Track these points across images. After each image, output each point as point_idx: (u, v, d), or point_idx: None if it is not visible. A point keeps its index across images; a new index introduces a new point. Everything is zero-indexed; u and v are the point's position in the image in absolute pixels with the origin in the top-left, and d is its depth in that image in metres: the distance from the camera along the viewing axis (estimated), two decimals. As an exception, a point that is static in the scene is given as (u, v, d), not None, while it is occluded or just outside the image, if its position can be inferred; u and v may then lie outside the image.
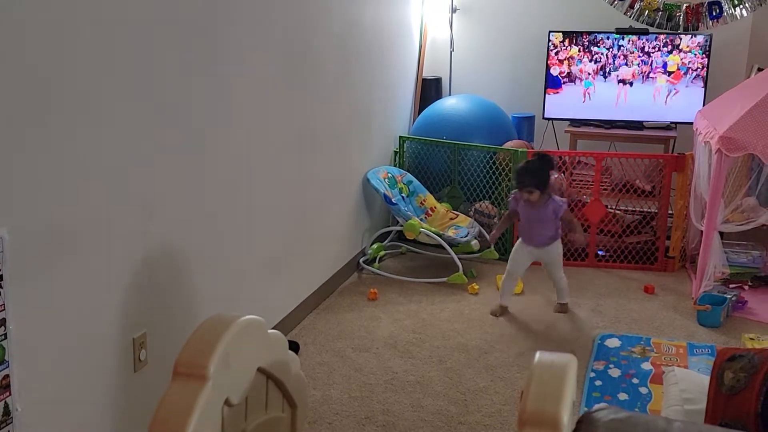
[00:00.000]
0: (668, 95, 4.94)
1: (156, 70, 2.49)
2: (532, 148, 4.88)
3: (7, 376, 1.98)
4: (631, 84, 4.98)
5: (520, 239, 3.96)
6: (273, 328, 3.37)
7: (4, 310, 1.95)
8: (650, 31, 4.93)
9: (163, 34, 2.52)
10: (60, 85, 2.09)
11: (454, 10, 5.47)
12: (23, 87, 1.96)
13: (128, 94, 2.36)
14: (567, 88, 5.08)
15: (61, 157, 2.12)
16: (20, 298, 2.00)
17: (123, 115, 2.35)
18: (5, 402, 1.99)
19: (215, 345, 1.44)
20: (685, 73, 4.88)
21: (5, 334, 1.96)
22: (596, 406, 1.48)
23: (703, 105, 4.72)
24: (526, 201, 3.79)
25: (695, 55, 4.82)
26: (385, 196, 4.47)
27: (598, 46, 4.97)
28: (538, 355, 1.47)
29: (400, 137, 5.04)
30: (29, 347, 2.05)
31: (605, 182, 4.62)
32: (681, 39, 4.84)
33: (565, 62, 5.03)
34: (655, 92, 4.96)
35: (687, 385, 2.12)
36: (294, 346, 3.48)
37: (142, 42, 2.41)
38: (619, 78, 4.99)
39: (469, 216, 4.72)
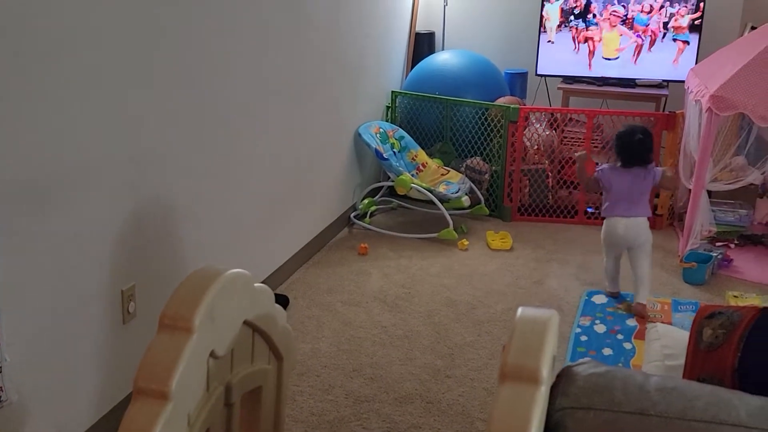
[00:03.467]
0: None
1: (149, 17, 2.47)
2: (525, 105, 4.87)
3: (-4, 326, 2.00)
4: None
5: None
6: (263, 282, 3.40)
7: (-8, 261, 1.96)
8: (645, -13, 4.89)
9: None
10: (41, 28, 2.06)
11: (448, -36, 5.41)
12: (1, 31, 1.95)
13: (118, 41, 2.34)
14: (561, 45, 5.05)
15: (47, 106, 2.10)
16: (7, 248, 2.01)
17: (112, 63, 2.33)
18: (-6, 352, 2.01)
19: (201, 298, 1.45)
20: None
21: (-6, 286, 1.97)
22: (578, 361, 1.51)
23: (696, 63, 4.70)
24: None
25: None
26: (377, 152, 4.46)
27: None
28: (520, 310, 1.49)
29: (393, 92, 5.02)
30: (18, 298, 2.07)
31: (596, 140, 4.63)
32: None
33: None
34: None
35: (668, 341, 2.16)
36: (284, 300, 3.51)
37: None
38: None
39: (461, 172, 4.72)
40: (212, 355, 1.49)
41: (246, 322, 1.66)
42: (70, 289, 2.28)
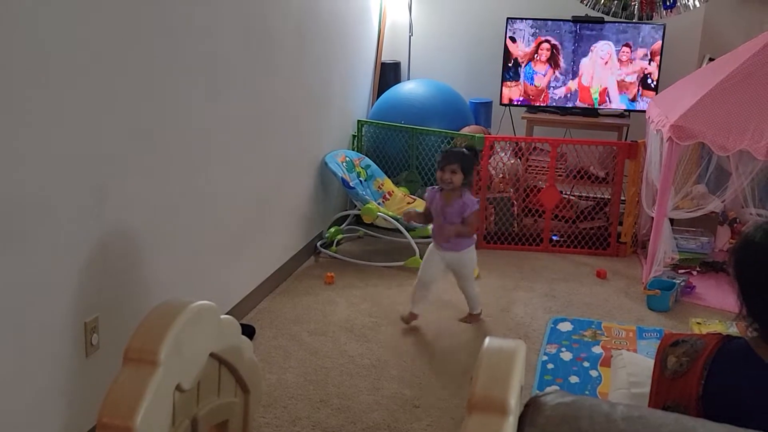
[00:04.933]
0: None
1: (109, 48, 2.46)
2: (490, 134, 4.92)
3: (-45, 361, 1.96)
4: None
5: (432, 242, 3.63)
6: (229, 312, 3.39)
7: (-49, 294, 1.92)
8: (606, 19, 4.99)
9: (118, 11, 2.48)
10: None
11: (413, -5, 5.48)
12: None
13: (77, 69, 2.32)
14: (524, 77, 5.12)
15: (4, 137, 2.07)
16: (-32, 282, 1.97)
17: (71, 91, 2.31)
18: (-47, 387, 1.96)
19: (166, 330, 1.44)
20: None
21: (-47, 319, 1.93)
22: (545, 390, 1.52)
23: (656, 94, 4.80)
24: (443, 189, 3.50)
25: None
26: (343, 180, 4.47)
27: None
28: (487, 340, 1.50)
29: (359, 121, 5.04)
30: (-22, 332, 2.03)
31: (560, 168, 4.69)
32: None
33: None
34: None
35: (634, 368, 2.17)
36: (250, 330, 3.48)
37: (92, 17, 2.37)
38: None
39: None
40: (178, 388, 1.48)
41: (212, 355, 1.65)
42: (32, 322, 2.24)
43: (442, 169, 3.48)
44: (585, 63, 5.01)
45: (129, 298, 2.71)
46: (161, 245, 2.88)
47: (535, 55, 5.06)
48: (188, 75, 2.97)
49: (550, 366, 3.31)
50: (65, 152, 2.30)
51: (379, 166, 4.83)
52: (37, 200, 2.21)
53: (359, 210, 4.47)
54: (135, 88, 2.62)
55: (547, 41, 5.02)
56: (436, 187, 3.58)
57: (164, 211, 2.89)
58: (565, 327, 3.66)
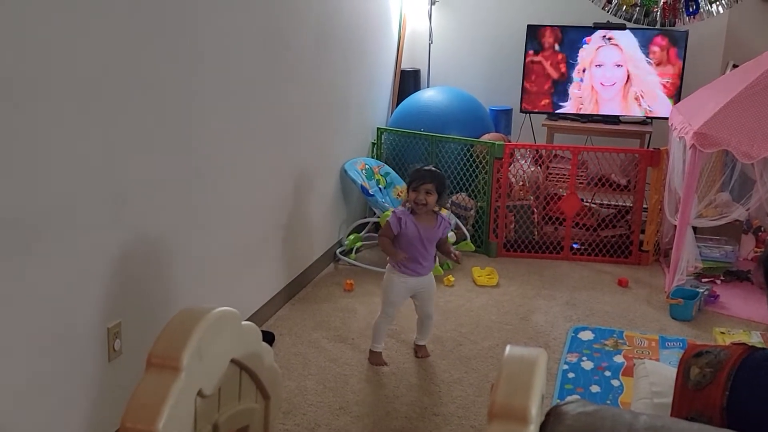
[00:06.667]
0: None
1: (129, 55, 2.48)
2: (510, 141, 4.91)
3: (-21, 365, 1.97)
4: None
5: (392, 270, 3.31)
6: (249, 319, 3.39)
7: (-24, 299, 1.93)
8: (627, 26, 4.97)
9: (139, 20, 2.50)
10: (21, 68, 2.06)
11: (433, 2, 5.48)
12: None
13: (98, 79, 2.34)
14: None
15: (28, 144, 2.10)
16: (-7, 287, 1.99)
17: (94, 103, 2.33)
18: (-23, 391, 1.98)
19: (188, 336, 1.44)
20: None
21: (-23, 324, 1.95)
22: (566, 399, 1.51)
23: (679, 100, 4.76)
24: (413, 212, 3.22)
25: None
26: (363, 188, 4.47)
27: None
28: (508, 348, 1.49)
29: (378, 129, 5.05)
30: (1, 337, 2.04)
31: (581, 176, 4.66)
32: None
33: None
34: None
35: (656, 378, 2.15)
36: (270, 337, 3.49)
37: (115, 25, 2.39)
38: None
39: (446, 208, 4.73)
40: (200, 394, 1.48)
41: (233, 361, 1.65)
42: (56, 328, 2.26)
43: (416, 189, 3.17)
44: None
45: (151, 304, 2.72)
46: (182, 252, 2.90)
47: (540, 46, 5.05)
48: (208, 84, 2.99)
49: (570, 375, 3.28)
50: (86, 161, 2.32)
51: (398, 174, 4.83)
52: (59, 209, 2.23)
53: (378, 217, 4.47)
54: (154, 97, 2.64)
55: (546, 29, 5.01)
56: (400, 209, 3.26)
57: (185, 219, 2.91)
58: (586, 336, 3.64)
